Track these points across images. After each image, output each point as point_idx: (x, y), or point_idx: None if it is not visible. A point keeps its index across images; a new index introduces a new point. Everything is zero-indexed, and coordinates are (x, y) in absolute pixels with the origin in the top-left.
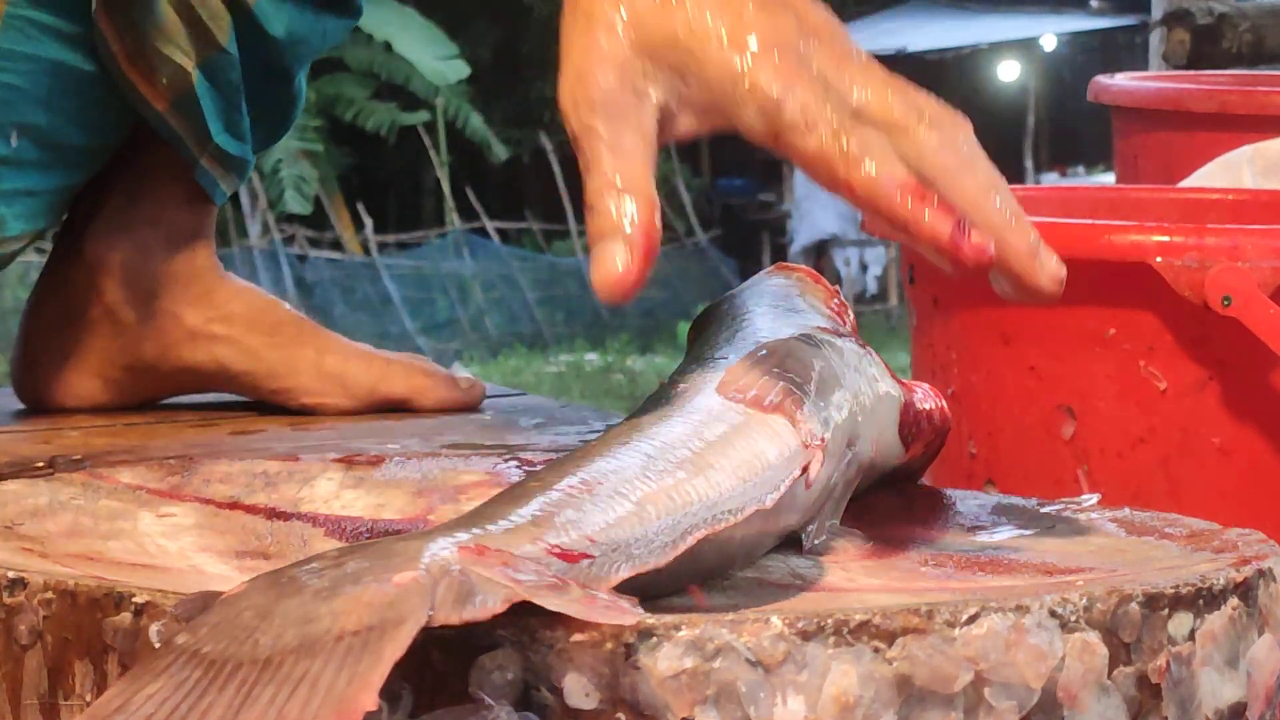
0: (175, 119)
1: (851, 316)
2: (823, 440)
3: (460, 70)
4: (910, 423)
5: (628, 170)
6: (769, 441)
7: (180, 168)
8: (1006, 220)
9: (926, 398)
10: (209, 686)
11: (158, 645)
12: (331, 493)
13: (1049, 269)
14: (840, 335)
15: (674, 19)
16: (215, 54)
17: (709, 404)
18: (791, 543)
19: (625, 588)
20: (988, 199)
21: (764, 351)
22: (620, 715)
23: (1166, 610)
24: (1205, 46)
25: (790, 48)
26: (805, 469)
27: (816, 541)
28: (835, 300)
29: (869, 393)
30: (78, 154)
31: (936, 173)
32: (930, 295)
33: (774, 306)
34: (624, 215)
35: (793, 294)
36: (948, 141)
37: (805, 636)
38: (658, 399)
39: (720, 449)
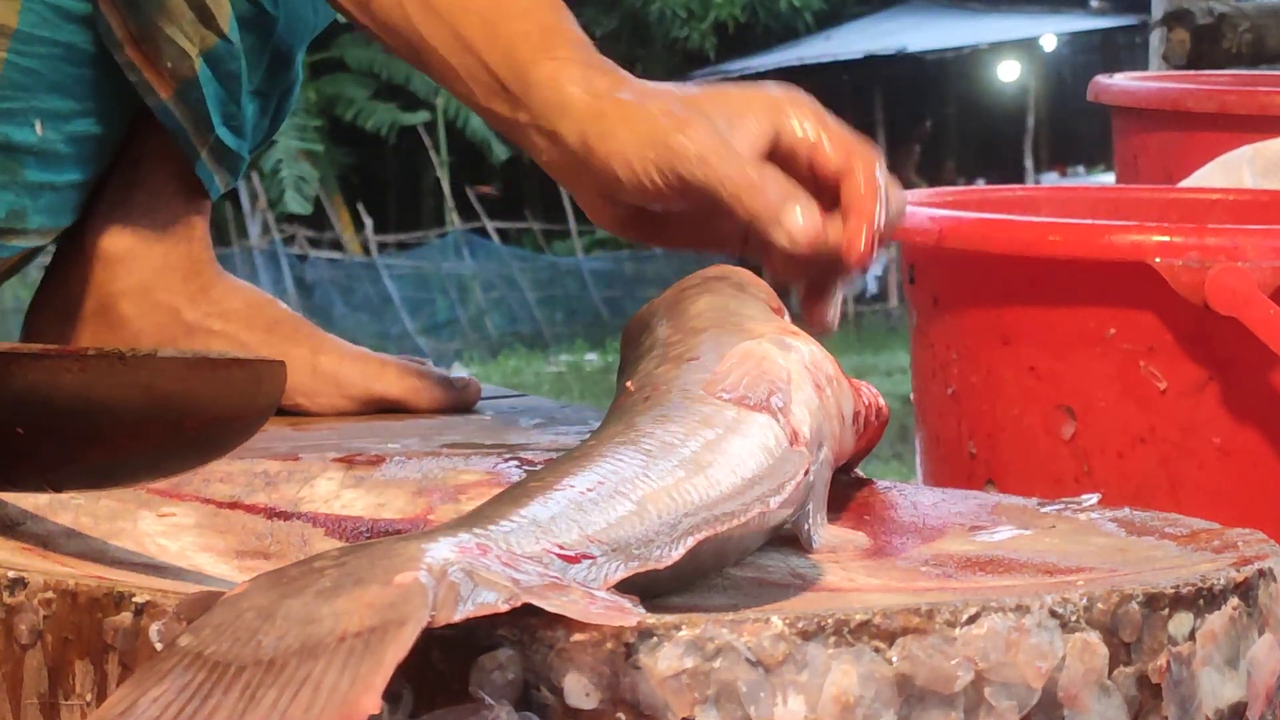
0: (179, 108)
1: (787, 316)
2: (806, 438)
3: None
4: (859, 419)
5: (761, 163)
6: (762, 439)
7: (176, 160)
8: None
9: (869, 394)
10: (213, 689)
11: (158, 645)
12: (331, 493)
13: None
14: (796, 335)
15: (710, 95)
16: (218, 41)
17: (700, 404)
18: (791, 543)
19: (625, 586)
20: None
21: (742, 352)
22: (620, 715)
23: (1167, 610)
24: (1205, 46)
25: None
26: (807, 471)
27: (816, 541)
28: (774, 301)
29: (829, 392)
30: (95, 146)
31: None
32: (930, 295)
33: (725, 307)
34: (784, 186)
35: (739, 294)
36: (898, 201)
37: (805, 636)
38: (642, 398)
39: (717, 447)
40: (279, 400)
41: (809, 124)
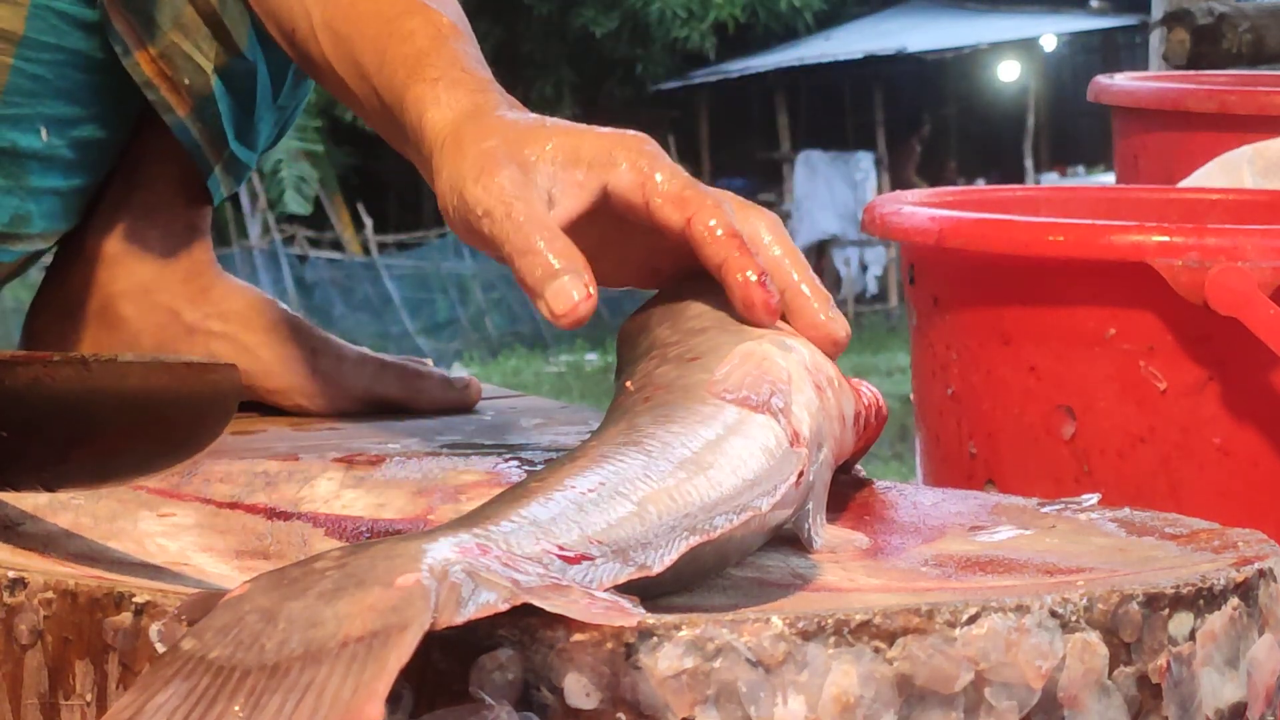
0: (195, 125)
1: None
2: (807, 438)
3: None
4: (859, 419)
5: (549, 225)
6: (763, 440)
7: (177, 162)
8: (798, 284)
9: (870, 394)
10: (218, 695)
11: (158, 645)
12: (331, 493)
13: (836, 328)
14: (795, 336)
15: (546, 135)
16: (234, 59)
17: (701, 404)
18: (792, 543)
19: (625, 587)
20: (789, 267)
21: (743, 353)
22: (620, 715)
23: (1167, 610)
24: (1205, 46)
25: (654, 144)
26: (801, 473)
27: (816, 542)
28: None
29: (830, 393)
30: (98, 150)
31: (755, 240)
32: (930, 295)
33: (723, 307)
34: (562, 256)
35: None
36: (770, 226)
37: (805, 636)
38: (643, 398)
39: (718, 448)
40: (237, 401)
41: (636, 178)
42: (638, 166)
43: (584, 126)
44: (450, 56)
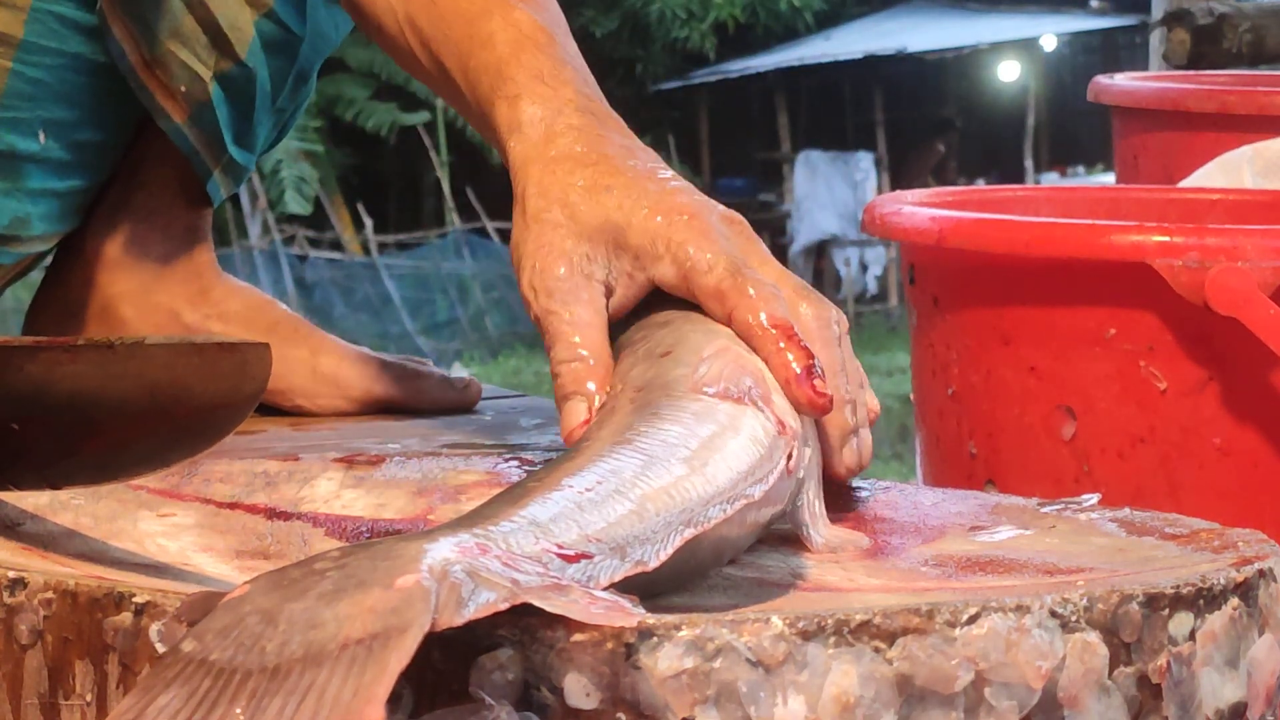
0: (193, 131)
1: None
2: (794, 428)
3: None
4: None
5: (587, 339)
6: (751, 431)
7: (177, 163)
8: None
9: None
10: (219, 697)
11: (158, 645)
12: (331, 493)
13: (850, 459)
14: None
15: (605, 204)
16: (233, 66)
17: (689, 400)
18: (792, 542)
19: (624, 586)
20: (838, 375)
21: (718, 348)
22: (620, 715)
23: (1167, 610)
24: (1205, 46)
25: (703, 219)
26: (790, 457)
27: (816, 541)
28: None
29: None
30: (97, 153)
31: (808, 336)
32: (930, 295)
33: (684, 302)
34: (593, 377)
35: None
36: (820, 318)
37: (805, 636)
38: (627, 398)
39: (711, 444)
40: (266, 383)
41: (678, 271)
42: (679, 261)
43: (640, 188)
44: (529, 68)
